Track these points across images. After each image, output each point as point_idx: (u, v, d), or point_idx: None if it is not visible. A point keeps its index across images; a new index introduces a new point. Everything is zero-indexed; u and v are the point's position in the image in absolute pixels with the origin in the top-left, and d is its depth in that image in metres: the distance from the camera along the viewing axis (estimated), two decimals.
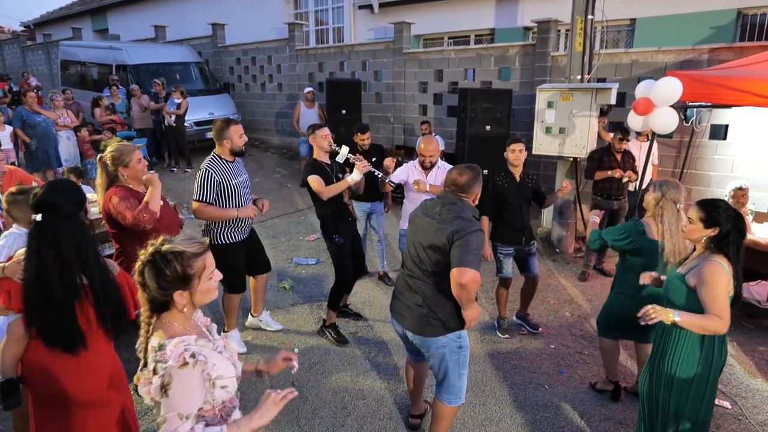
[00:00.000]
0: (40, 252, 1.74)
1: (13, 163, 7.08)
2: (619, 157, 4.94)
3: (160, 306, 1.50)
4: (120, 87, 9.87)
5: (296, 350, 3.72)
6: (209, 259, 1.57)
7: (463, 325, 2.44)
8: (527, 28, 8.41)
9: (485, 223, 3.83)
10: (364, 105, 8.62)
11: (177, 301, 1.49)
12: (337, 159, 3.71)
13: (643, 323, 2.14)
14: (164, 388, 1.39)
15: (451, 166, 4.27)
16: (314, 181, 3.52)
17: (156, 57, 10.71)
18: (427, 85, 8.26)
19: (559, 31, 7.52)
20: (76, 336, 1.73)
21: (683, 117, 4.01)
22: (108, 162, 2.78)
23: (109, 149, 2.83)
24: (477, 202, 2.54)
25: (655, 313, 2.11)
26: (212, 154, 3.39)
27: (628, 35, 7.68)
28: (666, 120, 3.52)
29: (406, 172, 4.17)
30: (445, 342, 2.45)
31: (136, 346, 1.54)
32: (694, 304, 2.17)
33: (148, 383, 1.43)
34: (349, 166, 3.77)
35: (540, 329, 4.12)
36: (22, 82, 12.67)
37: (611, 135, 5.11)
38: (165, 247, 1.48)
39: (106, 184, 2.82)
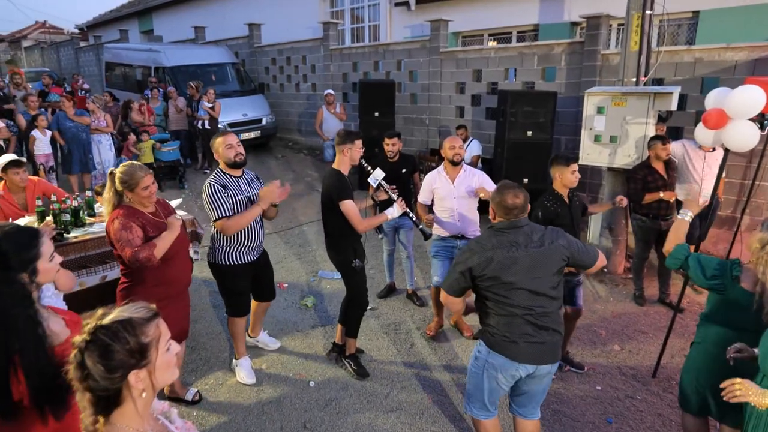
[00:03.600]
0: None
1: (51, 167, 7.24)
2: (662, 170, 4.37)
3: (110, 402, 1.20)
4: (159, 89, 9.96)
5: (312, 383, 3.44)
6: (163, 325, 1.28)
7: None
8: (575, 24, 7.79)
9: None
10: (399, 106, 8.27)
11: (134, 385, 1.20)
12: (368, 180, 3.43)
13: (725, 398, 1.67)
14: None
15: (477, 171, 3.95)
16: (351, 208, 3.19)
17: (193, 58, 10.75)
18: (465, 86, 7.81)
19: (610, 26, 6.88)
20: (8, 404, 1.46)
21: (759, 125, 3.43)
22: (116, 181, 2.65)
23: (120, 167, 2.69)
24: None
25: (742, 391, 1.64)
26: (216, 169, 3.25)
27: (689, 30, 6.94)
28: (743, 136, 2.97)
29: (429, 185, 3.90)
30: (553, 368, 2.47)
31: None
32: None
33: None
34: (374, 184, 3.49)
35: (586, 368, 3.67)
36: (72, 83, 13.10)
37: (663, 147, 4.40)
38: (106, 320, 1.20)
39: (113, 201, 2.69)
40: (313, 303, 4.65)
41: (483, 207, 3.88)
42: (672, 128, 5.58)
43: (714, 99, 3.12)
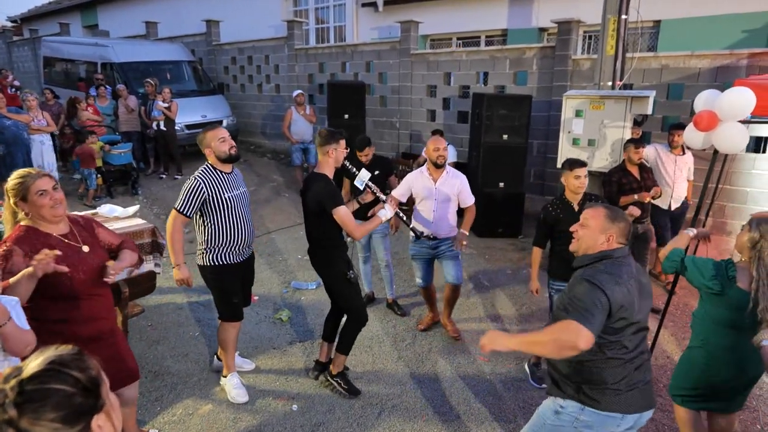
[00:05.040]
0: None
1: None
2: (637, 173, 4.40)
3: None
4: (107, 87, 9.26)
5: (295, 407, 3.15)
6: (92, 357, 0.98)
7: None
8: (543, 29, 7.88)
9: (537, 254, 3.42)
10: (368, 109, 8.07)
11: None
12: (355, 182, 3.20)
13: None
14: None
15: (459, 173, 3.83)
16: (345, 215, 2.94)
17: (145, 55, 10.09)
18: (436, 89, 7.72)
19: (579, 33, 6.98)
20: None
21: None
22: (9, 193, 2.06)
23: (12, 175, 2.09)
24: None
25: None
26: (206, 163, 2.99)
27: (651, 38, 7.16)
28: (734, 137, 2.98)
29: (409, 183, 3.80)
30: None
31: None
32: None
33: None
34: (359, 188, 3.27)
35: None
36: (0, 79, 11.91)
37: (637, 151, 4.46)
38: (31, 369, 0.88)
39: (11, 220, 2.13)
40: (289, 316, 4.34)
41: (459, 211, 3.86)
42: (647, 134, 5.70)
43: (704, 101, 3.12)
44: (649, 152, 4.69)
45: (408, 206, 4.10)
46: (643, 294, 1.98)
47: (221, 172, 2.98)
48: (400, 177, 6.68)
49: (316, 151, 7.23)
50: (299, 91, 7.92)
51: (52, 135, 7.41)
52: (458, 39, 9.06)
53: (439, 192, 3.72)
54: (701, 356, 2.44)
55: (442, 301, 4.06)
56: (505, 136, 5.96)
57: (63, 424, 0.85)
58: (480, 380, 3.48)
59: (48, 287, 2.00)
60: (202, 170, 2.94)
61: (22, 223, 2.11)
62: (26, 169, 2.12)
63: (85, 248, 2.19)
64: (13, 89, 10.82)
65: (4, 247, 2.01)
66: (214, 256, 2.99)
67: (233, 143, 3.02)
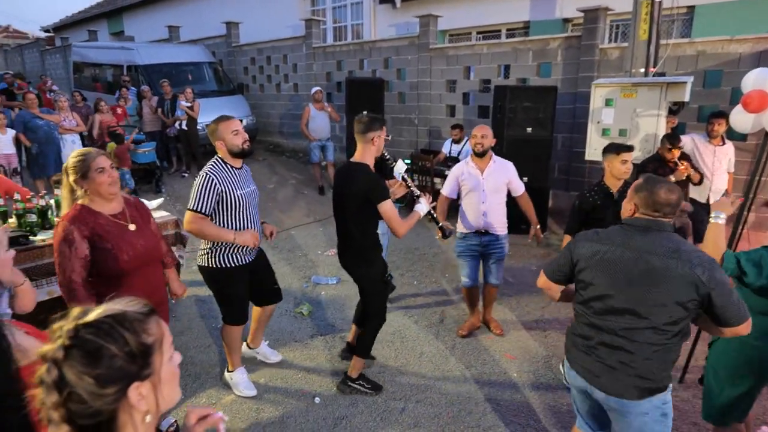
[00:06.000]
0: None
1: (15, 169, 6.65)
2: (674, 165, 4.18)
3: None
4: (131, 88, 9.42)
5: (317, 399, 3.07)
6: (164, 325, 0.95)
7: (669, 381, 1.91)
8: (567, 20, 7.67)
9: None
10: (387, 106, 7.98)
11: (135, 405, 0.85)
12: (394, 173, 3.05)
13: None
14: None
15: (507, 162, 3.67)
16: (391, 209, 2.75)
17: (168, 57, 10.25)
18: (456, 84, 7.59)
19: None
20: None
21: None
22: (69, 172, 2.16)
23: (72, 154, 2.21)
24: None
25: None
26: (215, 157, 2.79)
27: (684, 26, 6.89)
28: None
29: (456, 177, 3.62)
30: (648, 408, 1.87)
31: None
32: None
33: None
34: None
35: None
36: (39, 85, 12.35)
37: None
38: (92, 316, 0.86)
39: (69, 199, 2.21)
40: (309, 311, 4.27)
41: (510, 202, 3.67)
42: (683, 125, 5.46)
43: (754, 80, 2.93)
44: (685, 142, 4.48)
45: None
46: (633, 277, 1.80)
47: (231, 167, 2.77)
48: (419, 172, 6.62)
49: (333, 149, 7.16)
50: (317, 88, 7.88)
51: (81, 135, 7.55)
52: (478, 33, 8.90)
53: (487, 183, 3.52)
54: (738, 348, 2.23)
55: (465, 299, 3.91)
56: (528, 129, 5.79)
57: (96, 382, 0.82)
58: (506, 379, 3.34)
59: (97, 265, 2.14)
60: (211, 165, 2.73)
61: (78, 202, 2.19)
62: (86, 149, 2.23)
63: (132, 226, 2.26)
64: (51, 93, 11.14)
65: (64, 227, 2.11)
66: (220, 256, 2.77)
67: (246, 136, 2.81)
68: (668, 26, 7.02)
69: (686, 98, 4.28)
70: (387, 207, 2.75)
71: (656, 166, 4.20)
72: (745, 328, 1.80)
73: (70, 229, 2.10)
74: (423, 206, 2.95)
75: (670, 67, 5.47)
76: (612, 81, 4.66)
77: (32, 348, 1.23)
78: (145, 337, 0.88)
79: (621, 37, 7.31)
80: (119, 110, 8.52)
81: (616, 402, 1.89)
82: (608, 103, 4.60)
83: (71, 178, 2.16)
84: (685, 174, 4.05)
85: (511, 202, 3.69)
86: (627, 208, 1.96)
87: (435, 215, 3.17)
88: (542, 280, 2.14)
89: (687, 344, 3.66)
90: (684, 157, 4.28)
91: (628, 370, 1.84)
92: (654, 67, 4.65)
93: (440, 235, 3.19)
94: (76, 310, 0.88)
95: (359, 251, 2.93)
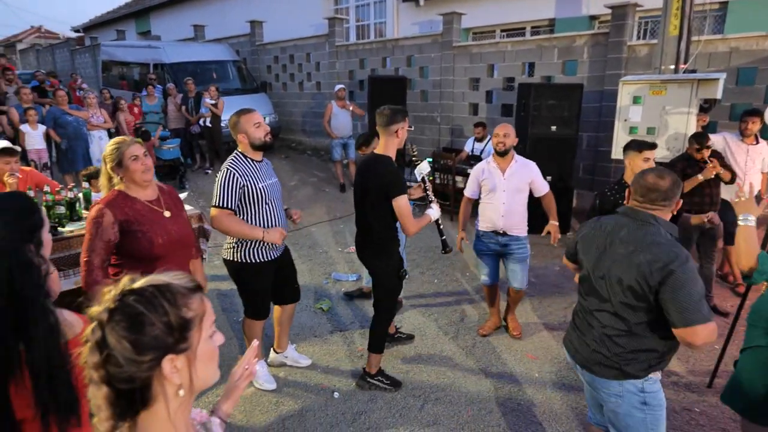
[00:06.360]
0: None
1: (45, 164, 6.85)
2: (703, 163, 4.03)
3: (135, 401, 0.87)
4: (157, 86, 9.61)
5: (336, 394, 3.07)
6: (207, 302, 0.96)
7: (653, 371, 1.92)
8: (594, 17, 7.52)
9: None
10: (409, 104, 7.96)
11: (168, 377, 0.86)
12: (414, 172, 3.01)
13: None
14: None
15: (529, 161, 3.57)
16: (405, 205, 2.74)
17: (193, 55, 10.43)
18: (479, 82, 7.51)
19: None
20: (7, 425, 1.12)
21: None
22: (106, 159, 2.25)
23: (109, 143, 2.30)
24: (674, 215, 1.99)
25: None
26: (235, 152, 2.79)
27: (716, 22, 6.68)
28: None
29: (477, 177, 3.58)
30: (621, 392, 1.93)
31: None
32: None
33: None
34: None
35: None
36: (69, 83, 12.74)
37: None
38: (139, 284, 0.88)
39: (107, 186, 2.30)
40: (329, 306, 4.29)
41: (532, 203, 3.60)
42: (713, 123, 5.29)
43: None
44: (717, 142, 4.33)
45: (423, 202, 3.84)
46: (600, 262, 1.93)
47: (252, 160, 2.76)
48: (441, 171, 6.58)
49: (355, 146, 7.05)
50: (341, 86, 7.90)
51: (108, 131, 7.74)
52: (502, 31, 8.80)
53: (509, 183, 3.46)
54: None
55: (485, 299, 3.87)
56: (553, 128, 5.69)
57: (132, 348, 0.83)
58: (528, 378, 3.29)
59: (131, 247, 2.21)
60: (231, 160, 2.72)
61: (115, 188, 2.27)
62: (121, 137, 2.30)
63: (167, 213, 2.33)
64: (81, 92, 11.47)
65: (98, 210, 2.18)
66: (246, 252, 2.77)
67: (268, 129, 2.80)
68: (700, 22, 6.83)
69: (718, 95, 4.14)
70: (402, 203, 2.74)
71: (685, 165, 4.07)
72: (690, 335, 1.70)
73: (103, 212, 2.17)
74: (434, 212, 2.93)
75: (701, 64, 5.31)
76: (640, 78, 4.54)
77: (76, 323, 1.26)
78: (186, 311, 0.89)
79: (649, 35, 7.13)
80: (135, 109, 8.69)
81: (589, 376, 2.01)
82: (636, 100, 4.49)
83: (108, 165, 2.25)
84: (714, 172, 3.91)
85: (535, 202, 3.62)
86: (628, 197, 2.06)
87: (441, 227, 3.09)
88: (564, 258, 2.37)
89: (716, 347, 3.57)
90: (715, 155, 4.14)
91: (595, 346, 1.96)
92: (685, 63, 4.51)
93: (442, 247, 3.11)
94: (126, 278, 0.90)
95: (379, 244, 2.93)
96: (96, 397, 0.86)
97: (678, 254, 1.74)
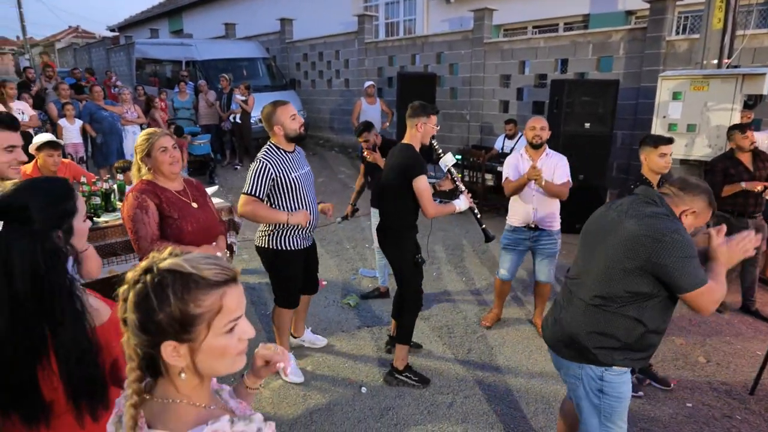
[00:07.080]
0: None
1: (81, 158, 7.08)
2: (747, 161, 3.84)
3: (149, 366, 0.92)
4: (189, 83, 9.82)
5: (364, 389, 3.06)
6: (234, 298, 0.92)
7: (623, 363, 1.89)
8: (630, 12, 7.31)
9: None
10: (438, 101, 7.89)
11: (167, 359, 0.88)
12: (439, 163, 3.05)
13: None
14: None
15: (560, 155, 3.51)
16: (424, 186, 2.79)
17: (224, 53, 10.62)
18: (510, 79, 7.40)
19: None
20: (38, 406, 1.13)
21: None
22: (137, 150, 2.31)
23: (140, 134, 2.35)
24: (690, 226, 1.87)
25: None
26: (268, 143, 2.85)
27: (761, 16, 6.40)
28: None
29: (514, 164, 3.54)
30: (581, 375, 1.95)
31: None
32: None
33: None
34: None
35: (672, 385, 3.19)
36: (104, 81, 13.15)
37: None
38: (166, 263, 0.88)
39: (137, 175, 2.37)
40: (356, 302, 4.28)
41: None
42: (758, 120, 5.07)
43: None
44: (761, 139, 4.14)
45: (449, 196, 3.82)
46: (596, 221, 1.97)
47: (285, 151, 2.83)
48: (470, 168, 6.50)
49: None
50: (370, 83, 7.90)
51: (141, 126, 7.94)
52: (534, 27, 8.65)
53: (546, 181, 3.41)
54: None
55: (495, 297, 3.80)
56: (587, 125, 5.55)
57: (139, 325, 0.87)
58: (557, 378, 3.20)
59: (161, 235, 2.26)
60: (265, 151, 2.81)
61: (143, 178, 2.32)
62: (152, 129, 2.36)
63: (195, 204, 2.39)
64: (116, 89, 11.82)
65: (135, 196, 2.22)
66: (278, 239, 2.85)
67: (303, 121, 2.90)
68: (744, 16, 6.55)
69: (764, 91, 3.96)
70: (421, 183, 2.77)
71: (727, 165, 3.89)
72: (698, 296, 1.70)
73: (143, 196, 2.21)
74: (462, 202, 2.92)
75: (746, 59, 5.09)
76: (681, 73, 4.38)
77: (103, 310, 1.28)
78: (193, 307, 0.87)
79: (688, 30, 6.88)
80: (162, 104, 8.88)
81: (553, 354, 2.04)
82: (676, 96, 4.33)
83: (138, 156, 2.31)
84: (760, 189, 3.74)
85: (568, 201, 3.53)
86: None
87: (479, 216, 3.08)
88: None
89: (759, 353, 3.42)
90: (760, 158, 3.94)
91: (560, 324, 1.98)
92: (728, 58, 4.33)
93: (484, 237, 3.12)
94: (168, 249, 0.92)
95: (397, 230, 2.98)
96: (127, 344, 0.90)
97: (677, 228, 1.74)
